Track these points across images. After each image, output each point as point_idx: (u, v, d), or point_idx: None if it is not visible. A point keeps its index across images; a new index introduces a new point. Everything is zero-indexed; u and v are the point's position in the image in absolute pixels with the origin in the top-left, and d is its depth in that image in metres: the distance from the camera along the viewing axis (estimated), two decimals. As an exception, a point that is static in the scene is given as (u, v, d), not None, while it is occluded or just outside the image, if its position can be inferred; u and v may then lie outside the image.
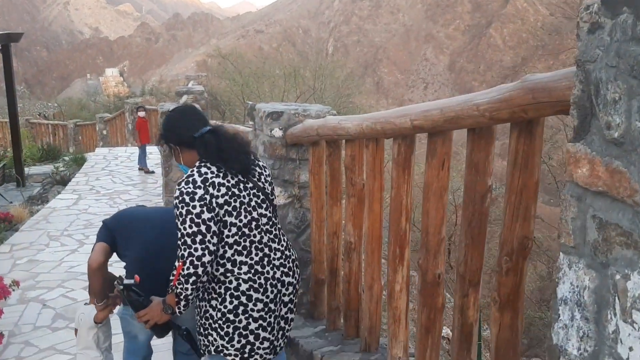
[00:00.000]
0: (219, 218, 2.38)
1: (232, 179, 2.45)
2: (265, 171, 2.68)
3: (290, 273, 2.64)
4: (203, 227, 2.30)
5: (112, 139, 18.50)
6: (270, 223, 2.61)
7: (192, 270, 2.28)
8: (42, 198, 10.44)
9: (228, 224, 2.42)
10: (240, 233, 2.45)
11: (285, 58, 31.28)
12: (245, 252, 2.48)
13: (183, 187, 2.35)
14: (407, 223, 2.64)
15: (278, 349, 2.64)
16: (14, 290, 4.60)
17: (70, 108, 33.45)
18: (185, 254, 2.30)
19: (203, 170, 2.40)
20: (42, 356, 4.30)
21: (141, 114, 12.02)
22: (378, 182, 2.91)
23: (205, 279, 2.36)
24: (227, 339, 2.46)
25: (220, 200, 2.37)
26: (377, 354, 3.12)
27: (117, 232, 2.99)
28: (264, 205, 2.58)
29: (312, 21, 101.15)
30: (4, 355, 4.32)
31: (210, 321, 2.49)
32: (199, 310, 2.56)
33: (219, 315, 2.45)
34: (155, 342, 3.16)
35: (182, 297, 2.34)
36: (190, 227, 2.29)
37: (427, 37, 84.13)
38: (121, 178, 10.95)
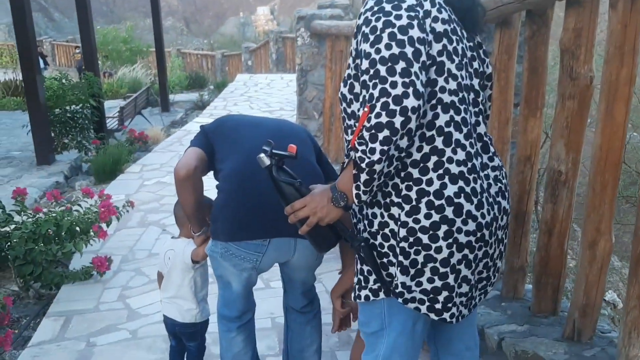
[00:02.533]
0: (431, 53, 1.39)
1: (452, 17, 1.47)
2: (482, 46, 1.61)
3: (506, 195, 1.58)
4: (409, 51, 1.31)
5: (257, 68, 18.26)
6: (482, 115, 1.57)
7: (385, 119, 1.28)
8: (183, 123, 10.25)
9: (445, 70, 1.42)
10: (460, 96, 1.45)
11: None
12: (464, 129, 1.45)
13: None
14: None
15: (473, 304, 1.61)
16: (127, 212, 4.03)
17: (223, 44, 34.22)
18: (376, 92, 1.30)
19: None
20: (151, 287, 3.71)
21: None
22: (627, 69, 1.71)
23: (405, 143, 1.33)
24: (412, 272, 1.46)
25: (439, 27, 1.40)
26: (593, 349, 1.99)
27: (216, 138, 2.16)
28: (479, 83, 1.54)
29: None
30: (111, 283, 3.80)
31: (386, 244, 1.48)
32: (365, 223, 1.52)
33: (404, 233, 1.44)
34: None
35: (364, 170, 1.33)
36: (388, 47, 1.31)
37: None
38: (259, 104, 10.39)
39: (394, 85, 1.26)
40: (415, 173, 1.40)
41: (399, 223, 1.43)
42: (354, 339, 2.41)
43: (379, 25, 1.32)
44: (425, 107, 1.34)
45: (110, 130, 8.61)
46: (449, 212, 1.40)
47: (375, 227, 1.47)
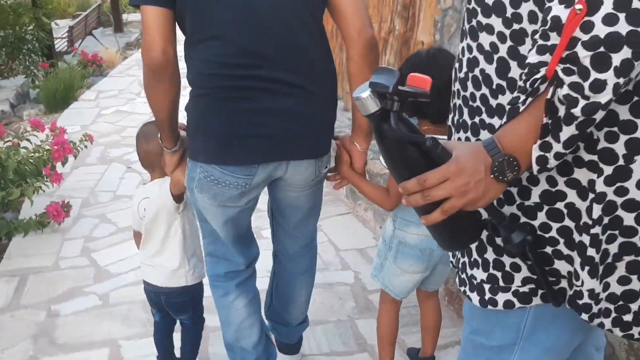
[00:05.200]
0: None
1: None
2: None
3: None
4: None
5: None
6: None
7: (625, 28, 0.72)
8: (139, 44, 9.34)
9: None
10: None
11: None
12: None
13: None
14: None
15: None
16: (85, 147, 3.39)
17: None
18: None
19: None
20: (120, 238, 3.15)
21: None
22: None
23: None
24: (600, 271, 0.92)
25: None
26: None
27: None
28: None
29: None
30: (71, 233, 3.22)
31: (556, 225, 0.93)
32: (514, 191, 0.95)
33: (598, 211, 0.87)
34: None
35: (574, 119, 0.77)
36: None
37: None
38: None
39: None
40: (624, 112, 0.82)
41: (590, 195, 0.87)
42: (379, 306, 1.95)
43: None
44: None
45: (59, 53, 7.70)
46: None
47: (536, 198, 0.91)
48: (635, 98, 0.82)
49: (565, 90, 0.75)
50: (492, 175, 0.83)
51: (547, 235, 0.93)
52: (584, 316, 0.94)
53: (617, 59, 0.72)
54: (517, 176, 0.84)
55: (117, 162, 4.29)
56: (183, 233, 1.81)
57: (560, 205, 0.90)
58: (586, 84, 0.74)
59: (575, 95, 0.75)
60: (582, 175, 0.87)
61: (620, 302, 0.94)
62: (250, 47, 1.45)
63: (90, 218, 3.43)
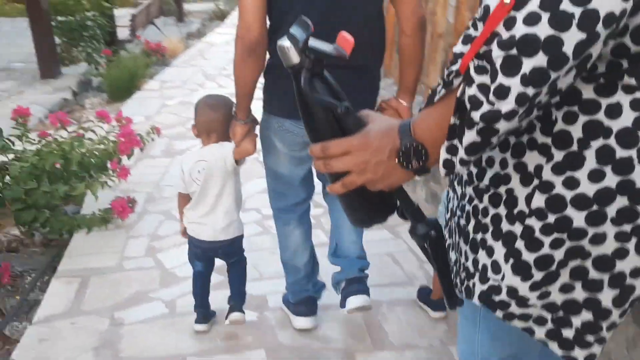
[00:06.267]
0: None
1: None
2: None
3: None
4: None
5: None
6: None
7: (545, 32, 0.62)
8: (200, 34, 9.24)
9: None
10: None
11: None
12: None
13: None
14: None
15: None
16: (152, 140, 3.20)
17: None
18: None
19: None
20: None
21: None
22: None
23: (569, 82, 0.68)
24: (535, 275, 0.85)
25: None
26: None
27: None
28: None
29: None
30: (136, 230, 3.03)
31: (493, 211, 0.87)
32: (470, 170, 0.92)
33: (540, 202, 0.80)
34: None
35: (475, 124, 0.70)
36: None
37: None
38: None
39: None
40: (588, 91, 0.74)
41: (535, 182, 0.79)
42: None
43: None
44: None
45: (121, 41, 7.64)
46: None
47: (487, 181, 0.85)
48: (602, 79, 0.72)
49: (473, 90, 0.68)
50: (396, 160, 0.79)
51: (483, 221, 0.86)
52: (498, 313, 0.87)
53: (528, 65, 0.64)
54: (424, 167, 0.79)
55: (182, 155, 4.10)
56: (236, 191, 2.04)
57: (502, 189, 0.83)
58: (492, 87, 0.66)
59: (481, 98, 0.68)
60: (531, 159, 0.79)
61: (560, 313, 0.85)
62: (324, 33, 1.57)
63: (155, 214, 3.24)
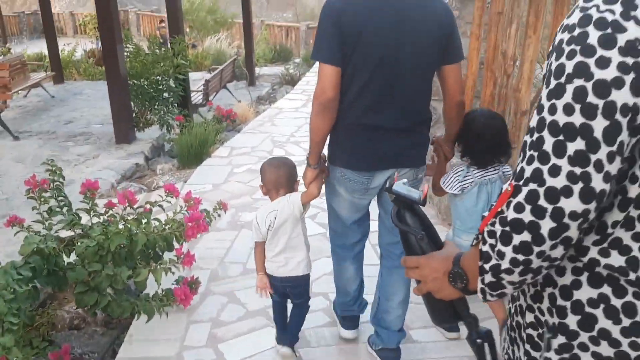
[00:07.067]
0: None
1: None
2: None
3: None
4: (600, 126, 0.82)
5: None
6: None
7: (527, 218, 0.88)
8: (270, 98, 9.37)
9: None
10: None
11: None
12: None
13: (589, 9, 0.85)
14: None
15: None
16: (218, 216, 3.09)
17: (304, 16, 33.25)
18: (528, 169, 0.89)
19: None
20: (248, 325, 2.77)
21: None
22: None
23: (561, 253, 0.90)
24: None
25: None
26: None
27: (346, 47, 2.02)
28: None
29: None
30: (197, 314, 2.89)
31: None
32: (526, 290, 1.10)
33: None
34: None
35: (488, 272, 0.96)
36: (569, 111, 0.84)
37: None
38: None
39: (555, 172, 0.84)
40: (627, 237, 0.90)
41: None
42: None
43: (568, 66, 0.83)
44: (603, 204, 0.87)
45: (194, 105, 7.81)
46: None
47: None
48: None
49: (486, 247, 0.95)
50: (447, 278, 1.07)
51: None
52: None
53: (517, 239, 0.89)
54: (467, 287, 1.04)
55: (248, 228, 3.98)
56: (304, 233, 2.34)
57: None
58: (494, 248, 0.93)
59: (489, 252, 0.94)
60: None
61: None
62: (380, 107, 2.12)
63: (219, 295, 3.10)
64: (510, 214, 0.88)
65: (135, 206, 2.84)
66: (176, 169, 5.65)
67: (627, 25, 0.79)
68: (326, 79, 2.00)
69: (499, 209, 0.90)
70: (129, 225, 2.65)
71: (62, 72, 10.64)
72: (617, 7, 0.81)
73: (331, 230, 2.49)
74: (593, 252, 0.91)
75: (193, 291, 2.85)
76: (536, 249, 0.87)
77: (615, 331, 0.90)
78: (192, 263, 2.54)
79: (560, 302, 0.96)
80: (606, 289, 0.90)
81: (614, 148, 0.81)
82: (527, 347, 1.04)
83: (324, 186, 2.32)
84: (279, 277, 2.35)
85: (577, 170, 0.82)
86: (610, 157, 0.81)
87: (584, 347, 0.94)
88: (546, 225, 0.85)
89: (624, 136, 0.81)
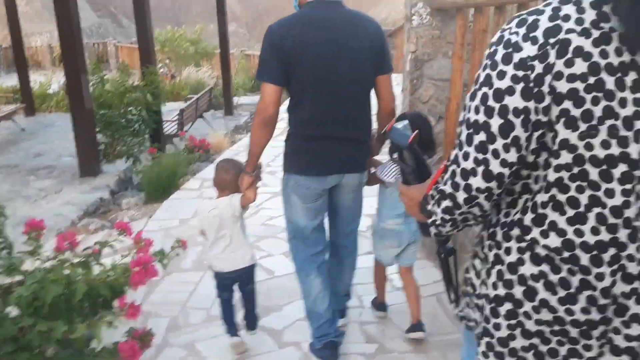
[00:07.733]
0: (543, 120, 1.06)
1: (616, 50, 0.99)
2: None
3: None
4: (496, 123, 1.06)
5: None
6: None
7: (448, 190, 1.17)
8: (248, 128, 9.09)
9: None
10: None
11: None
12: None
13: (505, 31, 1.09)
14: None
15: None
16: (176, 255, 2.74)
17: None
18: (452, 154, 1.16)
19: (560, 9, 1.04)
20: (209, 382, 2.41)
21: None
22: None
23: (484, 210, 1.16)
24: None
25: (563, 87, 1.01)
26: None
27: (289, 66, 2.25)
28: None
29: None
30: (152, 370, 2.53)
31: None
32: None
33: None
34: None
35: (432, 221, 1.27)
36: (477, 110, 1.09)
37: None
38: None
39: (466, 156, 1.11)
40: (562, 221, 1.09)
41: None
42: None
43: (482, 76, 1.09)
44: (506, 184, 1.12)
45: (168, 136, 7.50)
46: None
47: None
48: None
49: (429, 205, 1.23)
50: (419, 204, 1.30)
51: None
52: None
53: (443, 204, 1.17)
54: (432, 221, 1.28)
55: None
56: (243, 230, 2.59)
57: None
58: (431, 207, 1.22)
59: (430, 209, 1.23)
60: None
61: None
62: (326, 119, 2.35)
63: (177, 348, 2.74)
64: (440, 185, 1.17)
65: (83, 247, 2.50)
66: (142, 203, 5.30)
67: (523, 46, 1.01)
68: (268, 97, 2.23)
69: (436, 180, 1.20)
70: (68, 272, 2.30)
71: (33, 104, 10.31)
72: (522, 30, 1.03)
73: (292, 244, 2.62)
74: (535, 233, 1.09)
75: (145, 344, 2.50)
76: (456, 212, 1.16)
77: (553, 300, 1.09)
78: (137, 315, 2.19)
79: (507, 276, 1.14)
80: (545, 267, 1.09)
81: (508, 141, 1.04)
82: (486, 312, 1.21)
83: (281, 203, 2.58)
84: (228, 272, 2.57)
85: (480, 156, 1.07)
86: (505, 148, 1.05)
87: (527, 316, 1.12)
88: (460, 196, 1.12)
89: (517, 132, 1.04)
